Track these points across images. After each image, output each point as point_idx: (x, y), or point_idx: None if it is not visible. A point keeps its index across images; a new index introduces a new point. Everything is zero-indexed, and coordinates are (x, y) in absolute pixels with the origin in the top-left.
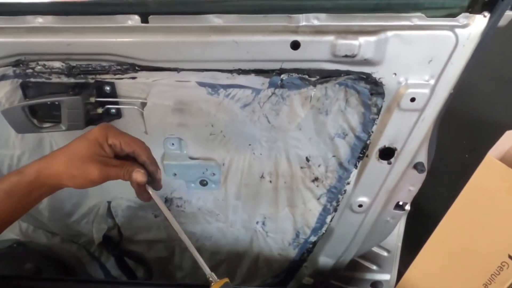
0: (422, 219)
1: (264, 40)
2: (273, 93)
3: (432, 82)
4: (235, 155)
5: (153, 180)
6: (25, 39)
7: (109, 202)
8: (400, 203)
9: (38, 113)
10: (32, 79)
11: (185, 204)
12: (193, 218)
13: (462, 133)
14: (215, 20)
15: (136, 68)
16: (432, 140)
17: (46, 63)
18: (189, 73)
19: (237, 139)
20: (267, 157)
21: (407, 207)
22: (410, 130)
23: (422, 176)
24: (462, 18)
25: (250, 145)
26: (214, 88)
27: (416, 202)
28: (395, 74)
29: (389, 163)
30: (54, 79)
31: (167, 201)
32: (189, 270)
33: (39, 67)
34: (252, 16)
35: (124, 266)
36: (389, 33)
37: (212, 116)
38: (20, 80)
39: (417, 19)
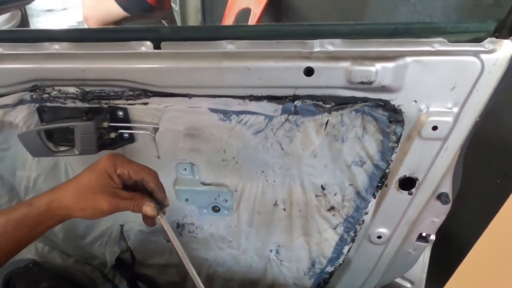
0: (450, 246)
1: (277, 66)
2: (286, 120)
3: (455, 110)
4: (247, 181)
5: (161, 207)
6: (42, 65)
7: (121, 226)
8: (423, 234)
9: (54, 136)
10: (48, 104)
11: (197, 230)
12: (205, 244)
13: (493, 157)
14: (227, 46)
15: (148, 94)
16: (457, 169)
17: (61, 88)
18: (201, 99)
19: (249, 165)
20: (280, 185)
21: (432, 237)
22: (432, 160)
23: (447, 207)
24: (488, 43)
25: (263, 172)
26: (226, 114)
27: (442, 228)
28: (416, 101)
29: (410, 194)
30: (69, 104)
31: (179, 226)
32: None
33: (54, 92)
34: (265, 41)
35: None
36: (409, 59)
37: (224, 142)
38: (37, 105)
39: (438, 44)
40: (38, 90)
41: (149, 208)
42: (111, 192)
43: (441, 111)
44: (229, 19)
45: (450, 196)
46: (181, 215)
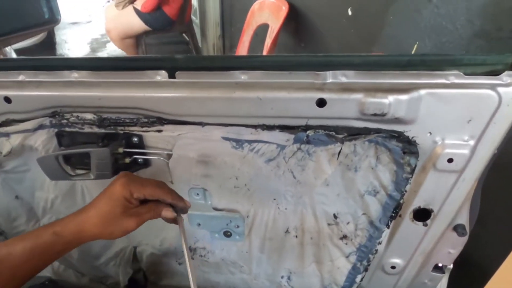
0: (469, 273)
1: (289, 97)
2: (298, 149)
3: (472, 142)
4: (259, 208)
5: (183, 212)
6: (61, 93)
7: (135, 247)
8: (440, 264)
9: (71, 160)
10: (66, 129)
11: (209, 254)
12: (216, 268)
13: None
14: (240, 76)
15: (163, 121)
16: (474, 201)
17: (79, 114)
18: (213, 127)
19: (261, 193)
20: (292, 212)
21: (449, 267)
22: (448, 192)
23: (464, 239)
24: (506, 77)
25: (274, 199)
26: (238, 142)
27: (461, 253)
28: (430, 133)
29: (425, 225)
30: (87, 129)
31: (191, 250)
32: None
33: (73, 118)
34: (278, 72)
35: None
36: (423, 92)
37: (237, 169)
38: (56, 130)
39: (454, 77)
40: (57, 116)
41: (168, 212)
42: (133, 213)
43: (457, 143)
44: (247, 34)
45: (467, 228)
46: (193, 239)
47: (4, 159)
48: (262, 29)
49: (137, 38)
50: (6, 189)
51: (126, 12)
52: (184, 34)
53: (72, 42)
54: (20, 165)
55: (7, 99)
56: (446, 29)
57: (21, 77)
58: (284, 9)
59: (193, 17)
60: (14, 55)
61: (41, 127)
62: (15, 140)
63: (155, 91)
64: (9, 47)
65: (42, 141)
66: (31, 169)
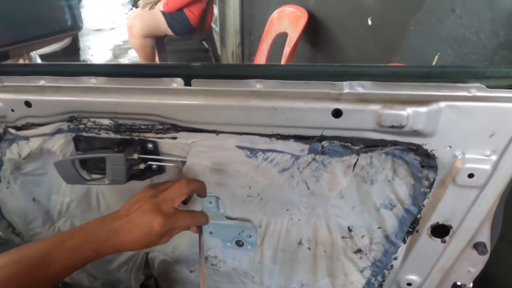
0: None
1: (304, 107)
2: (313, 159)
3: (494, 157)
4: (272, 218)
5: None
6: (79, 98)
7: (147, 254)
8: (458, 283)
9: (87, 165)
10: (83, 134)
11: (220, 263)
12: (227, 278)
13: None
14: (256, 85)
15: (177, 128)
16: (496, 218)
17: (96, 120)
18: (227, 135)
19: (274, 203)
20: (305, 224)
21: (469, 285)
22: (468, 208)
23: (484, 257)
24: None
25: (288, 210)
26: (252, 151)
27: (483, 271)
28: (450, 147)
29: (443, 242)
30: (103, 134)
31: None
32: None
33: (90, 123)
34: (293, 82)
35: None
36: (443, 104)
37: (250, 179)
38: (73, 134)
39: (475, 89)
40: (75, 121)
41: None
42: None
43: (478, 158)
44: (266, 43)
45: (488, 246)
46: (205, 247)
47: (23, 162)
48: (281, 38)
49: (157, 41)
50: (24, 191)
51: (152, 12)
52: (204, 42)
53: (96, 48)
54: (38, 168)
55: (28, 104)
56: (470, 40)
57: (41, 82)
58: (304, 18)
59: (213, 25)
60: (39, 60)
61: (59, 131)
62: (34, 143)
63: (171, 98)
64: (34, 52)
65: (60, 145)
66: (49, 173)
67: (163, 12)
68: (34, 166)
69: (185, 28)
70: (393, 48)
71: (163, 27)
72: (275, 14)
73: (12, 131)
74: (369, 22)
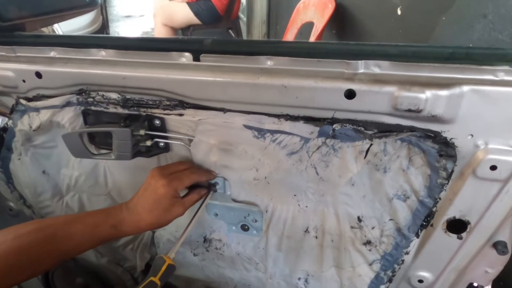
0: None
1: (316, 87)
2: (323, 143)
3: None
4: (278, 204)
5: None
6: (88, 70)
7: (153, 232)
8: (475, 284)
9: (95, 140)
10: (92, 108)
11: (224, 247)
12: (231, 263)
13: None
14: (266, 61)
15: (185, 105)
16: None
17: (104, 93)
18: (235, 114)
19: (281, 187)
20: (313, 211)
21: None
22: (488, 203)
23: (504, 258)
24: None
25: (295, 195)
26: (260, 131)
27: (503, 273)
28: (472, 135)
29: (460, 238)
30: (111, 109)
31: (206, 241)
32: None
33: (98, 97)
34: (305, 59)
35: None
36: (465, 88)
37: (257, 161)
38: (82, 108)
39: (504, 73)
40: (83, 94)
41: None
42: (180, 203)
43: (503, 149)
44: (291, 32)
45: (509, 246)
46: (209, 229)
47: (33, 133)
48: (307, 28)
49: (183, 32)
50: (34, 164)
51: (177, 3)
52: (230, 31)
53: (124, 34)
54: (48, 141)
55: (38, 74)
56: (502, 41)
57: (52, 53)
58: (330, 7)
59: (240, 15)
60: None
61: (68, 104)
62: (44, 115)
63: (179, 73)
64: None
65: (69, 118)
66: (58, 146)
67: (188, 3)
68: (44, 138)
69: (211, 16)
70: (422, 39)
71: (188, 18)
72: (301, 3)
73: (23, 102)
74: (399, 12)
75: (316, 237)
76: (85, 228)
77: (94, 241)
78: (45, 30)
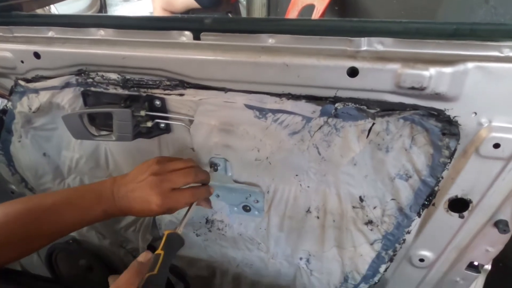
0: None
1: (318, 65)
2: (325, 122)
3: None
4: (280, 184)
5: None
6: (87, 50)
7: None
8: (475, 263)
9: (96, 121)
10: (92, 89)
11: (226, 228)
12: (233, 243)
13: None
14: (268, 40)
15: (185, 85)
16: None
17: (104, 74)
18: (236, 94)
19: (283, 167)
20: (314, 191)
21: (486, 267)
22: (491, 182)
23: (505, 237)
24: None
25: (297, 175)
26: (262, 111)
27: (504, 257)
28: (476, 113)
29: (461, 217)
30: (111, 90)
31: (208, 222)
32: None
33: (98, 77)
34: (307, 37)
35: None
36: (470, 65)
37: (258, 141)
38: (82, 89)
39: (509, 49)
40: (83, 74)
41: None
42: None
43: (506, 127)
44: (292, 15)
45: (511, 224)
46: (211, 210)
47: (33, 115)
48: (308, 10)
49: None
50: (35, 146)
51: None
52: (229, 14)
53: None
54: (48, 122)
55: (37, 55)
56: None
57: (50, 33)
58: None
59: None
60: None
61: (67, 85)
62: (43, 97)
63: (179, 52)
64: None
65: (69, 99)
66: (59, 128)
67: None
68: (44, 120)
69: (211, 0)
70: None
71: (187, 2)
72: None
73: (22, 83)
74: None
75: (318, 217)
76: (75, 211)
77: (85, 224)
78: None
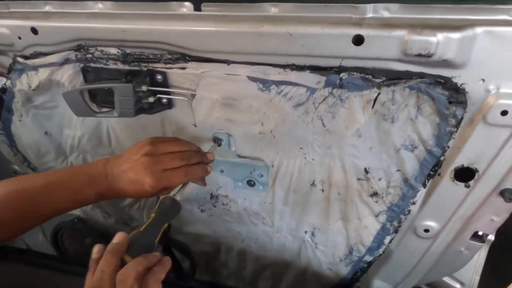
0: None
1: (322, 33)
2: (330, 93)
3: None
4: (284, 157)
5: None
6: (85, 25)
7: None
8: (480, 233)
9: (97, 98)
10: (92, 64)
11: (231, 203)
12: (238, 218)
13: None
14: (270, 8)
15: (187, 58)
16: None
17: (103, 49)
18: (239, 66)
19: (287, 140)
20: (319, 164)
21: (490, 237)
22: (497, 150)
23: (510, 205)
24: None
25: (301, 148)
26: (265, 84)
27: (504, 226)
28: (483, 80)
29: (467, 186)
30: (111, 65)
31: (213, 197)
32: (234, 269)
33: (97, 52)
34: (311, 5)
35: (171, 255)
36: (478, 29)
37: (262, 114)
38: (81, 65)
39: None
40: (82, 50)
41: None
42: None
43: None
44: None
45: None
46: (215, 186)
47: (33, 93)
48: None
49: None
50: (36, 125)
51: None
52: None
53: None
54: (48, 100)
55: (34, 30)
56: None
57: (47, 8)
58: None
59: None
60: None
61: (67, 61)
62: (43, 74)
63: (179, 24)
64: None
65: (68, 76)
66: (59, 106)
67: None
68: (44, 98)
69: None
70: None
71: None
72: None
73: (21, 60)
74: None
75: (323, 190)
76: (68, 194)
77: (77, 205)
78: None
